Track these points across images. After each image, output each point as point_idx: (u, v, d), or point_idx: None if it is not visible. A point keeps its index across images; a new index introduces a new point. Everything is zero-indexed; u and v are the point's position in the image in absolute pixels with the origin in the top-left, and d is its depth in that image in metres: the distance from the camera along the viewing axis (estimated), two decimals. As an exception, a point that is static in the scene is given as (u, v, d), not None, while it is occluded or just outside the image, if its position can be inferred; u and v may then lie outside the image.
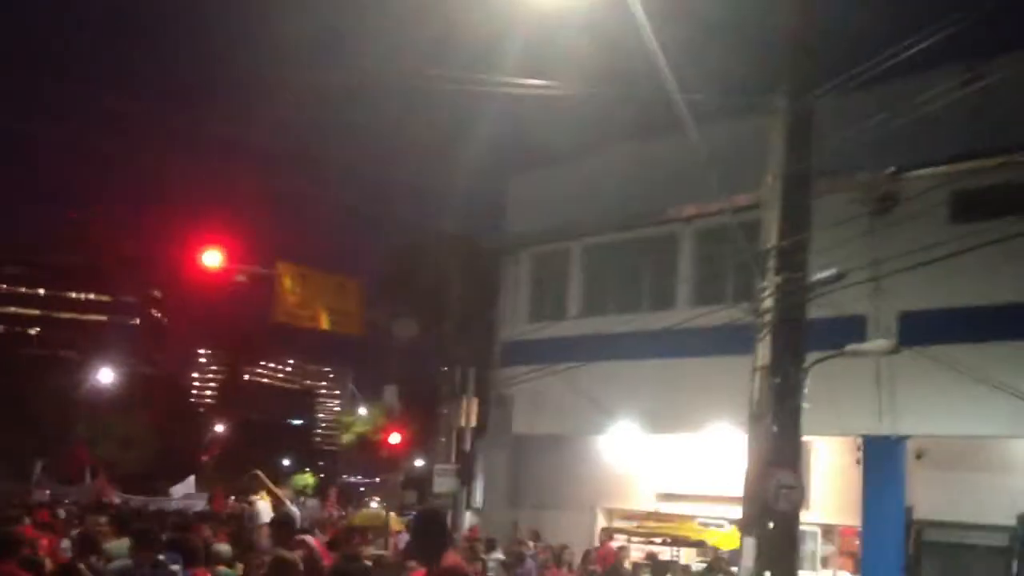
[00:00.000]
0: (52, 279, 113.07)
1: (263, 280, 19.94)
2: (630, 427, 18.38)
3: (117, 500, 29.39)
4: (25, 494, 31.08)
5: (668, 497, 19.29)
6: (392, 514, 23.54)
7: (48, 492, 33.05)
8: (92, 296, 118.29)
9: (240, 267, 19.05)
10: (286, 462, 77.67)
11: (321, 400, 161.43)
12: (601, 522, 20.39)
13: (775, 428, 11.04)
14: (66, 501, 27.96)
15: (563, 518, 20.22)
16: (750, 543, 10.90)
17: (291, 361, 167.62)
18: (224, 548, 10.13)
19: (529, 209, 21.03)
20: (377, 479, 64.52)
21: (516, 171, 22.39)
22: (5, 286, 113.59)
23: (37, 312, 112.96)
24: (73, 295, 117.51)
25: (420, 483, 30.32)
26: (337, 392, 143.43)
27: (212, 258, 18.48)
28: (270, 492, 11.14)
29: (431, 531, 5.39)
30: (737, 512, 17.89)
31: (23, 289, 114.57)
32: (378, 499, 46.24)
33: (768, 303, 11.13)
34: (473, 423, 20.91)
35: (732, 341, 16.88)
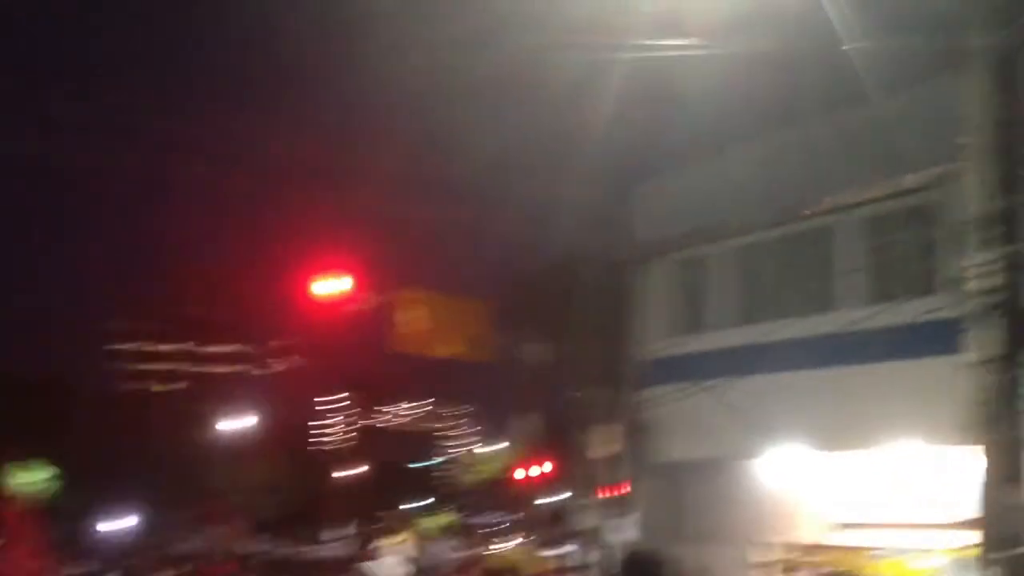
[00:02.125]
0: (184, 334, 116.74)
1: (383, 310, 18.84)
2: (792, 447, 16.36)
3: (247, 549, 28.72)
4: (167, 544, 30.99)
5: (841, 526, 17.06)
6: (534, 553, 22.00)
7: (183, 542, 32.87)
8: (225, 348, 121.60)
9: (355, 295, 17.96)
10: (420, 503, 77.11)
11: (451, 440, 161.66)
12: (757, 556, 18.28)
13: (995, 435, 9.07)
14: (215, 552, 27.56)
15: (714, 553, 18.21)
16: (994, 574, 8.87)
17: (421, 403, 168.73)
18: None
19: (661, 215, 19.31)
20: (515, 517, 63.19)
21: (642, 175, 20.69)
22: (141, 344, 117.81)
23: (175, 367, 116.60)
24: (206, 348, 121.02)
25: (553, 519, 28.70)
26: (468, 430, 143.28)
27: (323, 287, 17.44)
28: (407, 535, 9.93)
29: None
30: (924, 540, 15.82)
31: (158, 346, 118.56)
32: (518, 537, 44.82)
33: (977, 283, 9.16)
34: (613, 450, 19.21)
35: (908, 343, 14.84)
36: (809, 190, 16.10)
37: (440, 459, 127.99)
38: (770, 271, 17.07)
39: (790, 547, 17.80)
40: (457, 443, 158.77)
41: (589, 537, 19.56)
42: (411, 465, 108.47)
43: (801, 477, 17.23)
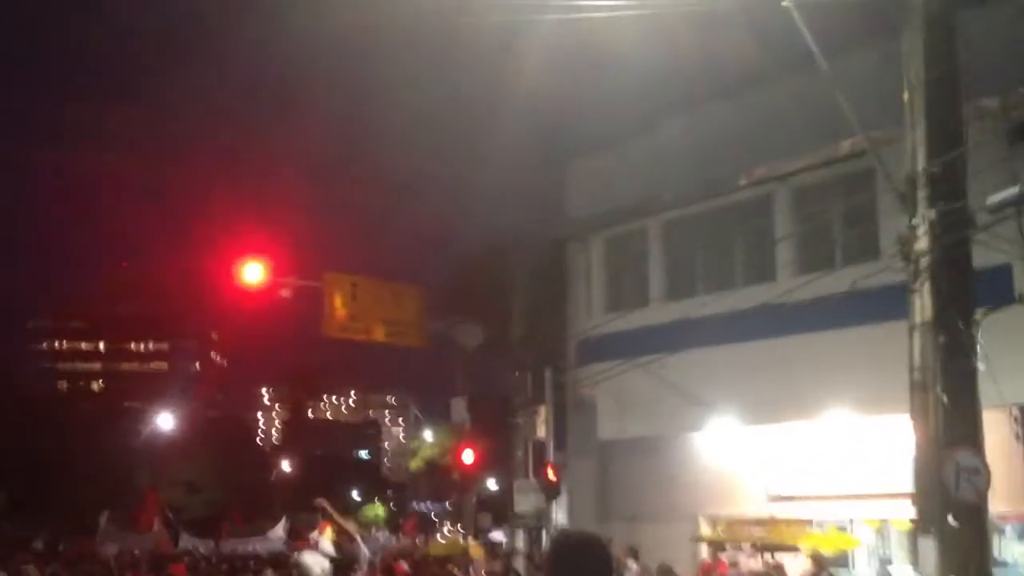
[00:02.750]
0: (110, 332, 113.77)
1: (312, 295, 18.23)
2: (731, 421, 16.25)
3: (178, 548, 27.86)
4: (94, 547, 29.92)
5: (781, 498, 17.02)
6: (471, 540, 21.63)
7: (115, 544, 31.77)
8: (151, 345, 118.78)
9: (284, 280, 17.33)
10: (354, 495, 76.20)
11: (385, 429, 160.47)
12: (705, 532, 18.21)
13: (945, 399, 8.92)
14: (135, 551, 26.64)
15: (661, 530, 18.03)
16: (928, 545, 8.74)
17: (353, 393, 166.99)
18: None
19: (593, 191, 19.04)
20: (448, 504, 62.92)
21: (574, 153, 20.35)
22: (67, 342, 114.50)
23: (98, 366, 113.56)
24: (132, 346, 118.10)
25: (496, 504, 28.38)
26: (401, 419, 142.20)
27: (253, 272, 16.77)
28: (337, 526, 9.48)
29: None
30: (863, 510, 15.85)
31: (84, 344, 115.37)
32: (451, 525, 44.44)
33: (923, 243, 8.98)
34: (552, 432, 18.90)
35: (843, 312, 14.79)
36: (743, 161, 15.96)
37: (375, 449, 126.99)
38: (704, 244, 16.90)
39: (727, 521, 17.77)
40: (392, 432, 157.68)
41: (527, 521, 19.22)
42: (346, 456, 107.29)
43: (738, 451, 17.16)
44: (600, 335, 17.76)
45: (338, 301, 17.94)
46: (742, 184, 15.82)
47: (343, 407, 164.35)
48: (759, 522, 17.19)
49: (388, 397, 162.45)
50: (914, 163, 9.00)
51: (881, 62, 11.11)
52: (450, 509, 57.98)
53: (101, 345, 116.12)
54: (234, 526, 36.20)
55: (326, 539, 9.91)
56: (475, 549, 19.99)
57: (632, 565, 16.69)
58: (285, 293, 17.36)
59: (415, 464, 48.06)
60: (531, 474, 19.12)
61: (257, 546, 29.74)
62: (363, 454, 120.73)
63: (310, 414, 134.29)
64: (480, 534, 25.30)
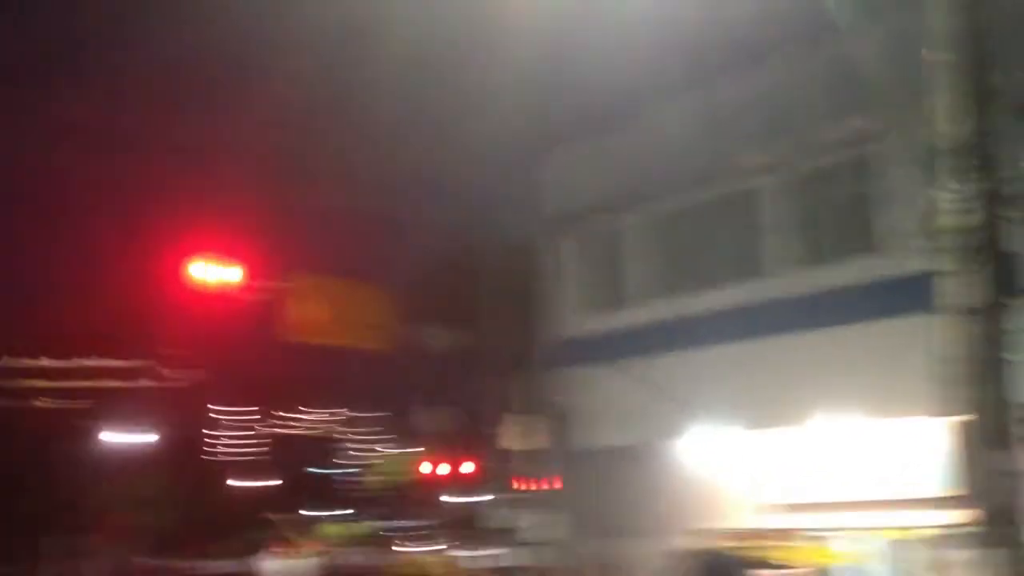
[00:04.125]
0: (56, 347, 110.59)
1: (274, 298, 17.10)
2: (719, 427, 15.33)
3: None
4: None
5: (772, 508, 16.10)
6: (450, 556, 20.51)
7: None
8: (102, 362, 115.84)
9: (240, 281, 16.19)
10: (314, 512, 74.58)
11: (355, 443, 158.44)
12: (682, 546, 17.19)
13: (980, 393, 8.03)
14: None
15: (644, 545, 17.07)
16: (999, 555, 7.72)
17: (311, 408, 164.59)
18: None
19: (571, 185, 18.10)
20: (420, 521, 61.32)
21: (549, 144, 19.42)
22: (10, 359, 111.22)
23: (43, 383, 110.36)
24: (83, 363, 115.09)
25: (467, 520, 27.27)
26: (371, 433, 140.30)
27: (204, 272, 15.62)
28: (286, 544, 8.46)
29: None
30: (865, 519, 14.98)
31: (29, 361, 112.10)
32: (408, 544, 43.16)
33: (950, 219, 8.09)
34: (531, 442, 17.89)
35: (844, 307, 13.97)
36: (732, 150, 15.12)
37: (344, 464, 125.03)
38: (691, 239, 15.99)
39: (718, 534, 16.81)
40: (361, 447, 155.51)
41: (511, 537, 18.18)
42: (313, 472, 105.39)
43: (729, 458, 16.23)
44: (581, 336, 16.81)
45: (299, 303, 16.83)
46: (726, 175, 14.96)
47: (301, 422, 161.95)
48: (749, 534, 16.27)
49: (358, 411, 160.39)
50: (937, 131, 8.12)
51: (886, 42, 10.32)
52: (430, 525, 56.52)
53: (45, 361, 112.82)
54: (192, 545, 34.94)
55: (304, 554, 8.87)
56: (453, 566, 18.85)
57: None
58: (247, 295, 16.23)
59: (387, 479, 46.64)
60: (503, 487, 18.04)
61: (216, 565, 28.61)
62: (323, 470, 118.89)
63: (266, 429, 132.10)
64: (462, 549, 24.23)
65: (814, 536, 15.43)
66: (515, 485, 18.54)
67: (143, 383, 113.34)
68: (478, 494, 22.72)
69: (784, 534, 15.64)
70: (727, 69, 14.77)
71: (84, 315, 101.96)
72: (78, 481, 50.19)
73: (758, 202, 14.90)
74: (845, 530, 15.06)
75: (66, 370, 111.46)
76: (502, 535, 19.05)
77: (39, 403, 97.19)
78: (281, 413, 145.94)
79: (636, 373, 15.37)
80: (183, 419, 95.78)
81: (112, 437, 51.57)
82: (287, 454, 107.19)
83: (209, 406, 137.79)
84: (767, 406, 14.72)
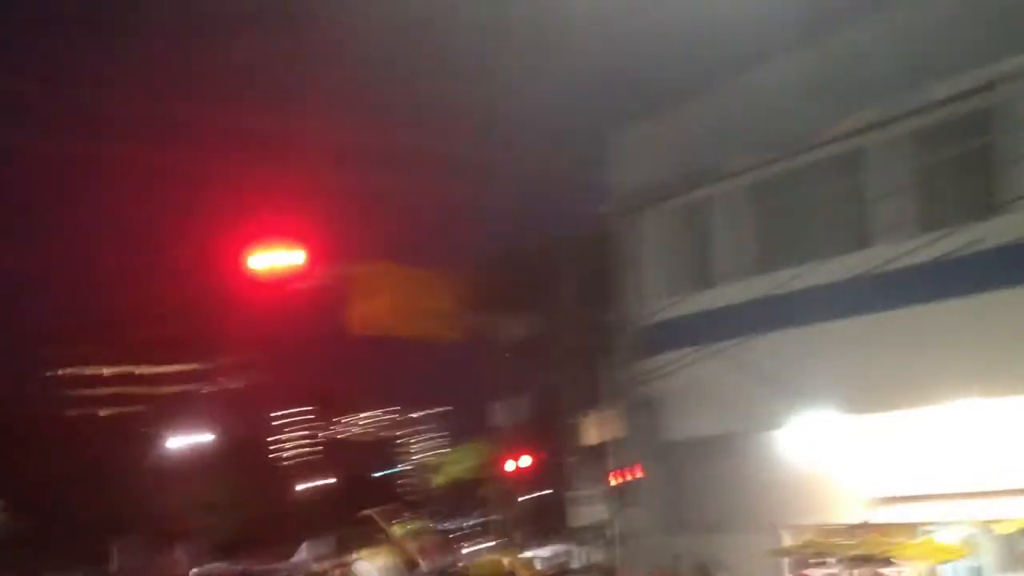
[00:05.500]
0: (122, 356, 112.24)
1: (339, 287, 16.20)
2: (823, 413, 14.04)
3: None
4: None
5: (883, 501, 14.75)
6: (514, 559, 19.45)
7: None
8: (165, 368, 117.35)
9: (304, 270, 15.29)
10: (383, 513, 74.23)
11: (416, 443, 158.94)
12: (787, 544, 15.91)
13: None
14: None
15: (737, 543, 15.83)
16: None
17: (382, 410, 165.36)
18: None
19: (645, 162, 16.97)
20: (483, 518, 60.41)
21: (625, 121, 18.30)
22: (77, 367, 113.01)
23: (110, 391, 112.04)
24: (145, 369, 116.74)
25: (541, 517, 26.20)
26: (433, 432, 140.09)
27: (266, 260, 14.75)
28: (390, 541, 7.54)
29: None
30: (989, 509, 13.62)
31: (94, 369, 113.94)
32: (491, 540, 42.27)
33: None
34: (610, 434, 16.77)
35: (964, 277, 12.63)
36: (826, 113, 13.84)
37: (405, 465, 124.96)
38: (789, 209, 14.70)
39: (822, 530, 15.50)
40: (422, 446, 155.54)
41: (590, 533, 17.08)
42: (376, 474, 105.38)
43: (834, 447, 14.93)
44: (663, 321, 15.61)
45: (364, 293, 15.91)
46: (827, 139, 13.67)
47: (363, 421, 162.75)
48: (853, 530, 14.95)
49: (420, 411, 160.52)
50: None
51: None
52: (495, 522, 55.51)
53: (112, 370, 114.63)
54: (259, 549, 34.55)
55: (366, 563, 7.92)
56: (522, 569, 17.76)
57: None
58: (310, 284, 15.34)
59: (440, 479, 45.74)
60: (590, 482, 16.92)
61: (284, 569, 28.08)
62: (384, 473, 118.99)
63: (330, 434, 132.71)
64: (530, 547, 23.18)
65: (926, 530, 14.12)
66: (595, 479, 17.43)
67: (205, 387, 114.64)
68: (553, 489, 21.64)
69: (895, 529, 14.35)
70: (828, 24, 13.54)
71: (147, 318, 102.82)
72: (145, 486, 50.31)
73: (866, 164, 13.58)
74: (961, 523, 13.73)
75: (129, 377, 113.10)
76: (580, 531, 17.94)
77: (104, 410, 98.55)
78: (343, 412, 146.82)
79: (730, 357, 14.16)
80: (245, 421, 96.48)
81: (177, 441, 51.44)
82: (350, 457, 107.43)
83: (271, 408, 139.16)
84: (878, 389, 13.43)
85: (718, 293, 15.08)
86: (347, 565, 7.49)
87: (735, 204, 15.28)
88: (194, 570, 24.14)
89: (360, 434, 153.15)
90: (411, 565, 6.39)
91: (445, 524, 66.25)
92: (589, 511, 16.86)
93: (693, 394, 15.23)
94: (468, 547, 41.25)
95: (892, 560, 14.14)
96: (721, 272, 15.29)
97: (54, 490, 42.84)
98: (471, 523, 59.51)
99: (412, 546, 6.56)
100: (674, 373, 15.17)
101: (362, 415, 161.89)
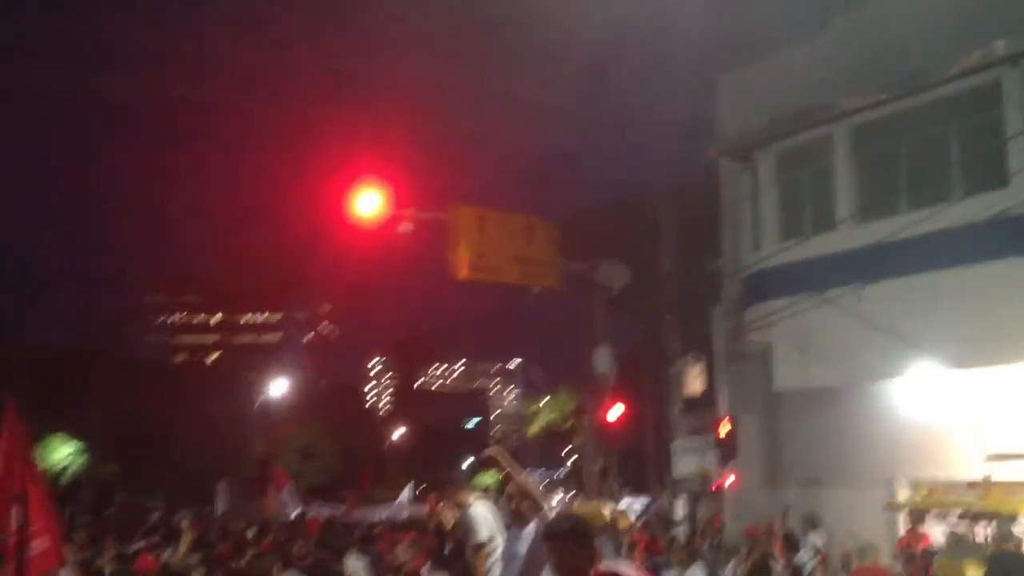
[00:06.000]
0: (224, 304, 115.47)
1: (432, 236, 16.01)
2: (938, 365, 13.35)
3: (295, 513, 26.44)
4: (210, 516, 29.10)
5: (1000, 457, 14.05)
6: (614, 508, 19.17)
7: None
8: (265, 316, 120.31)
9: (404, 213, 15.12)
10: (463, 465, 75.09)
11: (493, 397, 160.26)
12: (903, 498, 15.30)
13: None
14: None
15: (847, 497, 15.29)
16: None
17: (461, 362, 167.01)
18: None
19: (752, 103, 16.31)
20: (562, 471, 60.66)
21: (724, 65, 17.63)
22: (182, 315, 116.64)
23: (212, 338, 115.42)
24: (247, 317, 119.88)
25: (633, 467, 25.90)
26: (512, 387, 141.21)
27: (368, 202, 14.62)
28: (518, 485, 7.25)
29: None
30: None
31: (198, 317, 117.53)
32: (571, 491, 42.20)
33: None
34: (713, 383, 16.33)
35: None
36: (954, 45, 12.99)
37: (483, 418, 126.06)
38: (912, 147, 13.88)
39: (938, 485, 14.87)
40: (500, 401, 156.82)
41: (687, 485, 16.74)
42: (454, 425, 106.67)
43: (947, 400, 14.27)
44: (773, 267, 15.02)
45: (466, 237, 15.68)
46: (958, 73, 12.81)
47: (451, 376, 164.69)
48: (972, 486, 14.28)
49: (496, 365, 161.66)
50: None
51: None
52: (564, 477, 55.71)
53: (215, 317, 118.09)
54: (360, 492, 35.04)
55: (482, 506, 7.72)
56: (623, 519, 17.49)
57: (814, 538, 14.02)
58: (405, 228, 15.15)
59: (533, 430, 45.71)
60: (690, 433, 16.54)
61: (385, 513, 28.43)
62: (471, 423, 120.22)
63: (419, 383, 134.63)
64: (615, 499, 22.91)
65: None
66: (695, 429, 17.03)
67: (302, 335, 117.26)
68: (651, 439, 21.30)
69: (1019, 487, 13.64)
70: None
71: (249, 266, 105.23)
72: (245, 432, 51.62)
73: (996, 101, 12.70)
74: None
75: (232, 324, 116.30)
76: (680, 483, 17.59)
77: (206, 357, 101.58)
78: (432, 367, 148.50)
79: (843, 305, 13.55)
80: (341, 372, 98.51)
81: (275, 388, 52.58)
82: (438, 407, 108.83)
83: (365, 361, 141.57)
84: (1007, 339, 12.69)
85: (832, 238, 14.40)
86: (458, 508, 7.31)
87: (854, 143, 14.51)
88: (297, 510, 24.42)
89: (449, 382, 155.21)
90: (535, 509, 6.16)
91: (534, 474, 66.75)
92: (689, 462, 16.47)
93: (803, 344, 14.68)
94: (557, 496, 41.34)
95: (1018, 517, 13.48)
96: (830, 217, 14.60)
97: (161, 434, 44.31)
98: (560, 472, 59.87)
99: (538, 489, 6.31)
100: (783, 321, 14.63)
101: (451, 363, 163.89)
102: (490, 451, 7.04)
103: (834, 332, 14.00)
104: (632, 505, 23.26)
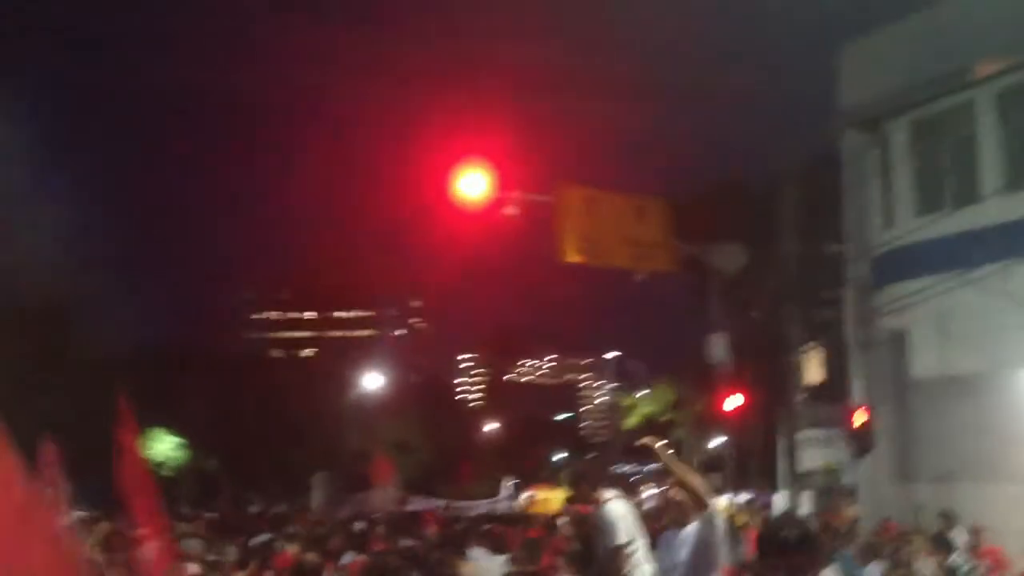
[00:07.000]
0: (318, 301, 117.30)
1: (536, 218, 15.37)
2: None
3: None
4: (306, 510, 29.10)
5: None
6: (730, 504, 18.31)
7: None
8: (357, 312, 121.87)
9: (508, 194, 14.52)
10: (555, 457, 74.48)
11: (583, 391, 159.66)
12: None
13: None
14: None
15: (985, 493, 14.14)
16: None
17: (551, 356, 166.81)
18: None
19: (877, 73, 15.20)
20: (652, 465, 59.25)
21: (844, 37, 16.56)
22: (277, 312, 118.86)
23: (307, 334, 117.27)
24: (341, 314, 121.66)
25: (750, 459, 24.90)
26: (603, 380, 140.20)
27: (473, 183, 14.05)
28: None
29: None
30: None
31: (293, 313, 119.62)
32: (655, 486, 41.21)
33: None
34: (839, 372, 15.30)
35: None
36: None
37: (573, 411, 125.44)
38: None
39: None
40: (589, 394, 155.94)
41: (810, 480, 15.76)
42: (546, 418, 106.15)
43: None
44: (908, 246, 13.95)
45: (572, 219, 14.99)
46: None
47: (541, 371, 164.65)
48: None
49: (588, 360, 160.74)
50: None
51: None
52: (655, 472, 54.52)
53: (310, 314, 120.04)
54: (457, 487, 34.82)
55: (617, 504, 7.01)
56: (740, 515, 16.60)
57: (959, 535, 12.91)
58: (511, 211, 14.55)
59: (632, 422, 44.69)
60: (812, 424, 15.56)
61: (486, 507, 28.12)
62: (562, 416, 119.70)
63: (510, 378, 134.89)
64: (728, 493, 21.98)
65: None
66: (818, 420, 16.04)
67: (396, 331, 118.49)
68: (767, 430, 20.26)
69: None
70: None
71: (344, 260, 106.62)
72: (339, 426, 51.90)
73: None
74: None
75: (326, 320, 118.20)
76: (802, 477, 16.60)
77: (302, 353, 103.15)
78: (523, 362, 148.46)
79: (992, 284, 12.46)
80: (424, 366, 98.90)
81: (369, 383, 52.77)
82: (529, 401, 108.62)
83: (456, 356, 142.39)
84: None
85: (976, 212, 13.28)
86: (593, 504, 6.80)
87: (997, 109, 13.36)
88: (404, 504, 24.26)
89: (537, 378, 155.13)
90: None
91: (624, 468, 65.78)
92: (814, 455, 15.49)
93: (943, 328, 13.61)
94: (647, 491, 40.25)
95: None
96: (981, 189, 13.46)
97: (257, 429, 44.79)
98: (651, 467, 58.62)
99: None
100: (920, 304, 13.59)
101: (544, 357, 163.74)
102: (645, 440, 6.29)
103: (978, 315, 12.94)
104: (736, 500, 22.32)
